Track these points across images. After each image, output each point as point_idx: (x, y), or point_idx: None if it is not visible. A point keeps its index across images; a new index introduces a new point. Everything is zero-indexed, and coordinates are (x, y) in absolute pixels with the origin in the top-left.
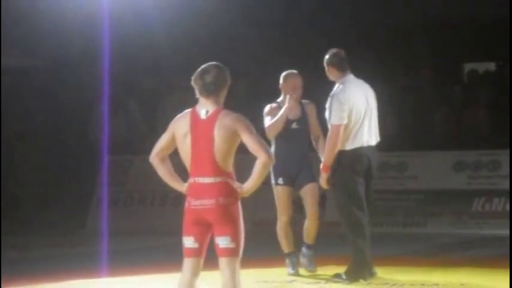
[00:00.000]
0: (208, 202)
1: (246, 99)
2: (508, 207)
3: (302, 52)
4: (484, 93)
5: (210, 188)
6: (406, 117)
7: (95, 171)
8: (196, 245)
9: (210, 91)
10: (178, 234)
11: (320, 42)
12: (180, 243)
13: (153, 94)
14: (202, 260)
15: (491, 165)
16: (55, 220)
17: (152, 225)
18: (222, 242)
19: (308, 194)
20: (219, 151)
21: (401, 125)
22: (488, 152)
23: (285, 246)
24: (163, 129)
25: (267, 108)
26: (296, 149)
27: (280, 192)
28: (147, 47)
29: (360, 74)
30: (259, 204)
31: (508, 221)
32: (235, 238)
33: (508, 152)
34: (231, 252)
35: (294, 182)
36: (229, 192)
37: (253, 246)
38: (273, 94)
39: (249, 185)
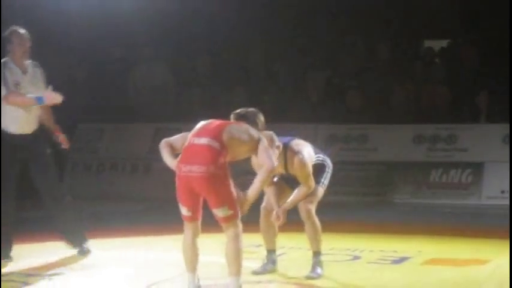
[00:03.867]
0: (198, 169)
1: (209, 75)
2: (463, 179)
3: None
4: (440, 70)
5: (202, 151)
6: (368, 92)
7: (68, 139)
8: (190, 213)
9: None
10: (147, 200)
11: (281, 20)
12: (148, 209)
13: (123, 64)
14: (199, 222)
15: (448, 139)
16: (31, 184)
17: (123, 191)
18: (221, 212)
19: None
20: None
21: (363, 99)
22: (446, 126)
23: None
24: (136, 99)
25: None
26: None
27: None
28: (117, 17)
29: (323, 49)
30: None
31: (463, 192)
32: (231, 205)
33: (464, 126)
34: (231, 218)
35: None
36: (220, 165)
37: None
38: (236, 71)
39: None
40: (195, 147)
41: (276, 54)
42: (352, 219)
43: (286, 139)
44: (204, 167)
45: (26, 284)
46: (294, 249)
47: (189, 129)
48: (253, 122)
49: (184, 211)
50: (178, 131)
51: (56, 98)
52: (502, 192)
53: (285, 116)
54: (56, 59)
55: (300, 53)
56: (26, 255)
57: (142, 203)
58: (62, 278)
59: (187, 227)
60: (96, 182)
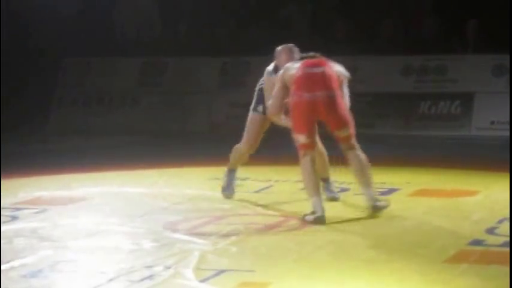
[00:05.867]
0: (322, 94)
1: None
2: (453, 110)
3: None
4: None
5: (322, 77)
6: (357, 22)
7: (55, 73)
8: (309, 140)
9: None
10: (133, 134)
11: None
12: (135, 143)
13: None
14: (315, 150)
15: (437, 70)
16: (18, 119)
17: (110, 125)
18: (342, 133)
19: None
20: None
21: (351, 30)
22: (435, 57)
23: (233, 165)
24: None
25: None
26: None
27: (253, 120)
28: None
29: None
30: (214, 107)
31: (453, 123)
32: (350, 125)
33: (453, 57)
34: (351, 137)
35: None
36: (338, 89)
37: (207, 145)
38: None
39: None
40: (312, 75)
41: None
42: (339, 151)
43: None
44: (327, 91)
45: (14, 218)
46: (279, 182)
47: (176, 63)
48: None
49: (303, 138)
50: (165, 65)
51: None
52: (492, 123)
53: (273, 49)
54: None
55: None
56: (14, 189)
57: (129, 136)
58: (50, 211)
59: (306, 154)
60: (82, 116)
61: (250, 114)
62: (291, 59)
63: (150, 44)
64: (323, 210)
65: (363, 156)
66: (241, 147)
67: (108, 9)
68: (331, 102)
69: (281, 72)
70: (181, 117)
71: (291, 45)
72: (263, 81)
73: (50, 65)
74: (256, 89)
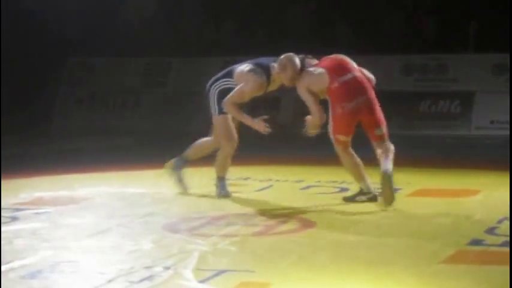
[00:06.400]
0: (363, 99)
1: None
2: (453, 109)
3: None
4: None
5: (356, 83)
6: (357, 22)
7: (59, 72)
8: (348, 139)
9: None
10: (136, 134)
11: None
12: (137, 143)
13: None
14: None
15: (437, 69)
16: (20, 119)
17: (113, 125)
18: (378, 131)
19: None
20: None
21: (351, 29)
22: (435, 56)
23: (222, 171)
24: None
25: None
26: None
27: (222, 120)
28: None
29: None
30: None
31: (453, 122)
32: (384, 125)
33: (454, 56)
34: (385, 136)
35: None
36: (370, 85)
37: None
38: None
39: None
40: (347, 84)
41: None
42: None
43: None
44: (366, 95)
45: (15, 218)
46: (279, 182)
47: (179, 63)
48: None
49: (342, 138)
50: (169, 65)
51: None
52: (492, 122)
53: (275, 49)
54: None
55: None
56: (14, 189)
57: (132, 137)
58: (50, 212)
59: (344, 150)
60: (86, 116)
61: (218, 117)
62: (295, 66)
63: (154, 44)
64: (374, 191)
65: (392, 150)
66: (225, 150)
67: (112, 9)
68: (371, 104)
69: (303, 81)
70: (183, 117)
71: (291, 54)
72: (222, 83)
73: (53, 65)
74: (213, 91)
